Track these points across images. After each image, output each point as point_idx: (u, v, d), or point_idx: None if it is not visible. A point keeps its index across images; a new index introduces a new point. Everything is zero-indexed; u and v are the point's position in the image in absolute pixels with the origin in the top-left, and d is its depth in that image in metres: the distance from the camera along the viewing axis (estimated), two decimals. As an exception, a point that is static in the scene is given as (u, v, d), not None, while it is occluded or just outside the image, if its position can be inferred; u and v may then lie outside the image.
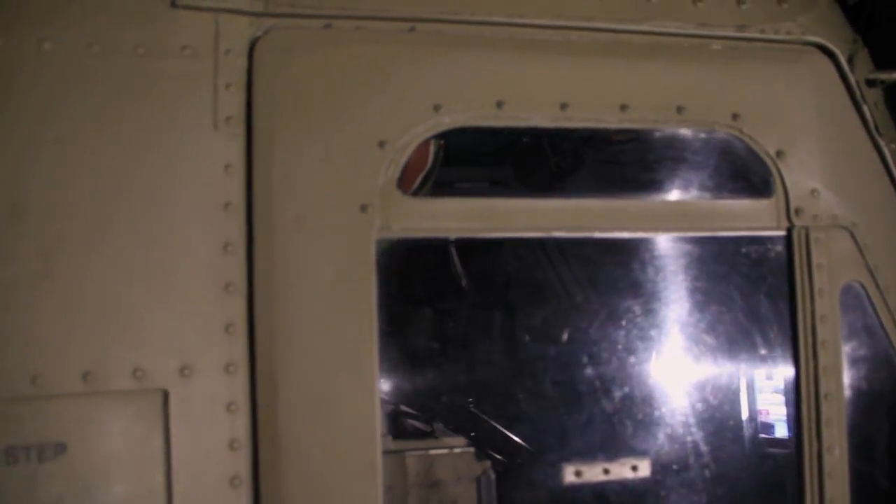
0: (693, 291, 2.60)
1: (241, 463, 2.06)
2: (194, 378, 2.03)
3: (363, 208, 2.13)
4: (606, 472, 2.38)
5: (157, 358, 2.01)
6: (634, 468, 2.41)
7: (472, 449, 2.43)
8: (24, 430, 1.93)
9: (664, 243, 2.45)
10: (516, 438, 2.43)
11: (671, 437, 2.51)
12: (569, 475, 2.35)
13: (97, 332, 1.98)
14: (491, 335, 2.39)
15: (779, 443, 2.89)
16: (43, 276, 1.96)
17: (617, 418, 2.47)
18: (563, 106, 2.26)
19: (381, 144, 2.15)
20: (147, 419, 2.01)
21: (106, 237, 2.00)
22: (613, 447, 2.46)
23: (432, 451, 2.41)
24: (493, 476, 2.42)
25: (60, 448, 1.95)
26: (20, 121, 1.98)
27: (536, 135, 2.47)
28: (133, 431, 2.00)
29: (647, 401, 2.50)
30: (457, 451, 2.44)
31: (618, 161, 2.35)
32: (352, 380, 2.11)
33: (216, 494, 2.04)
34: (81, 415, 1.97)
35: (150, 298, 2.02)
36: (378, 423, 2.13)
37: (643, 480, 2.42)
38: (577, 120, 2.28)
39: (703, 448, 2.61)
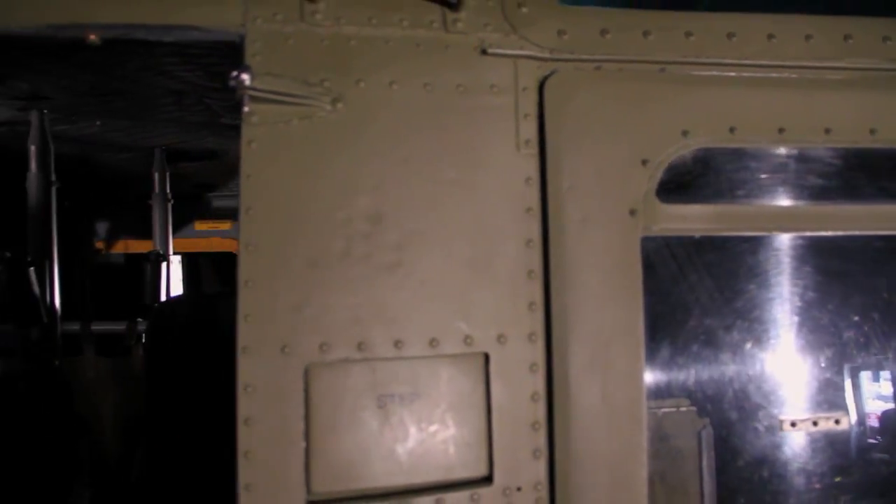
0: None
1: (539, 411, 2.60)
2: (507, 344, 2.58)
3: (632, 213, 2.67)
4: (815, 423, 2.94)
5: (481, 329, 2.56)
6: (837, 422, 2.96)
7: (694, 408, 2.98)
8: (391, 382, 2.51)
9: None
10: (737, 399, 2.95)
11: (868, 398, 3.03)
12: (786, 426, 2.91)
13: (438, 308, 2.54)
14: (725, 316, 2.93)
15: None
16: (397, 266, 2.52)
17: (825, 383, 3.00)
18: (781, 130, 2.78)
19: (644, 162, 2.68)
20: (473, 376, 2.56)
21: (440, 234, 2.57)
22: (820, 405, 2.99)
23: (662, 410, 2.97)
24: (711, 430, 2.97)
25: (415, 396, 2.52)
26: (378, 145, 2.54)
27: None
28: (464, 385, 2.55)
29: (856, 370, 3.01)
30: (682, 409, 2.99)
31: (833, 174, 2.88)
32: (623, 348, 2.65)
33: (522, 435, 2.58)
34: (429, 371, 2.53)
35: (475, 282, 2.57)
36: (643, 384, 2.66)
37: (843, 431, 2.96)
38: (791, 142, 2.82)
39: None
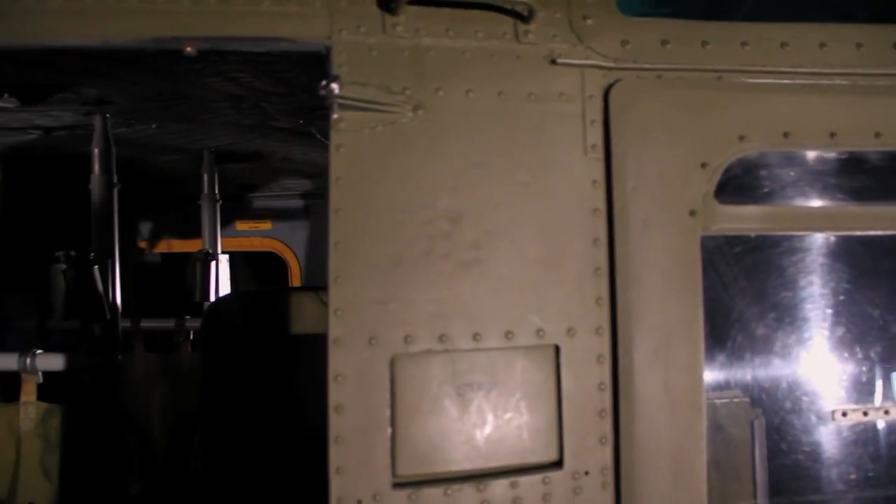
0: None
1: (606, 400, 2.75)
2: (576, 337, 2.74)
3: (691, 213, 2.81)
4: (865, 414, 3.09)
5: (553, 322, 2.72)
6: (887, 412, 3.11)
7: (747, 399, 3.14)
8: (469, 372, 2.67)
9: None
10: (787, 390, 3.11)
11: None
12: (837, 415, 3.06)
13: (513, 303, 2.70)
14: (778, 311, 3.09)
15: None
16: (475, 263, 2.68)
17: (875, 374, 3.15)
18: (832, 134, 2.93)
19: (703, 165, 2.83)
20: (545, 366, 2.72)
21: (514, 234, 2.74)
22: (870, 396, 3.14)
23: (718, 400, 3.13)
24: (763, 420, 3.13)
25: (492, 385, 2.69)
26: (456, 150, 2.70)
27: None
28: (536, 375, 2.71)
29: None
30: (736, 400, 3.15)
31: (882, 176, 3.03)
32: (683, 341, 2.79)
33: (589, 422, 2.73)
34: (504, 362, 2.69)
35: (547, 279, 2.73)
36: (702, 376, 2.81)
37: (893, 422, 3.11)
38: (842, 145, 2.97)
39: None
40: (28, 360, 4.78)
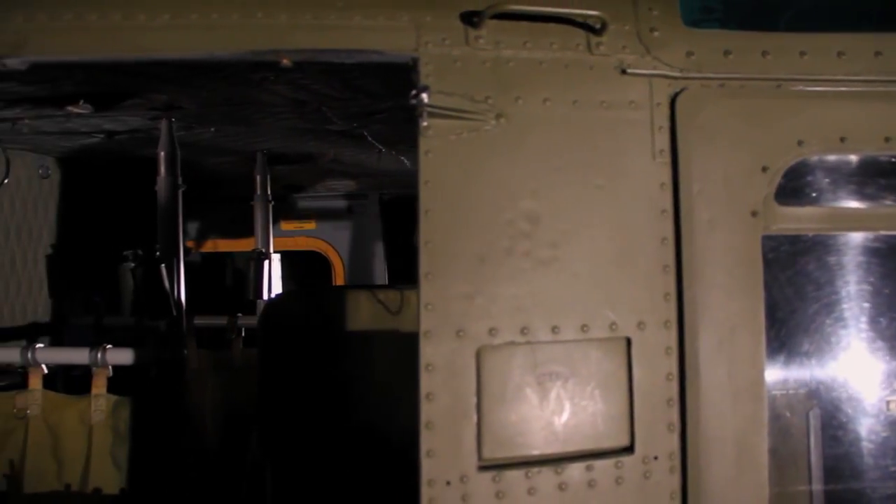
0: None
1: (673, 389, 2.91)
2: (646, 330, 2.90)
3: (753, 214, 2.96)
4: None
5: (624, 316, 2.88)
6: None
7: (804, 391, 3.31)
8: (548, 362, 2.85)
9: None
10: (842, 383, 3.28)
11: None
12: (892, 405, 3.23)
13: (588, 298, 2.87)
14: (835, 307, 3.25)
15: None
16: (553, 261, 2.86)
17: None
18: (887, 139, 3.08)
19: (764, 169, 2.98)
20: (617, 357, 2.89)
21: (589, 233, 2.92)
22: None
23: (777, 392, 3.30)
24: (819, 411, 3.30)
25: (569, 375, 2.87)
26: (535, 155, 2.86)
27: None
28: (609, 365, 2.87)
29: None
30: (794, 391, 3.32)
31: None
32: (746, 334, 2.94)
33: (658, 410, 2.89)
34: (580, 353, 2.86)
35: (619, 275, 2.90)
36: (763, 367, 2.96)
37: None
38: None
39: None
40: (99, 355, 4.99)
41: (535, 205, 2.81)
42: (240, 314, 6.84)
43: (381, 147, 6.07)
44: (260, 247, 6.53)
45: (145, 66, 3.39)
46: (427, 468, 2.68)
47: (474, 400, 2.72)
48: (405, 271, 8.58)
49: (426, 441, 2.68)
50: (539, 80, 2.88)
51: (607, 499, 2.82)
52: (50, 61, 2.88)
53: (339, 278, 8.81)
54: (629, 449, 2.86)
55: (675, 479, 2.88)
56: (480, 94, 2.83)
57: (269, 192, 6.66)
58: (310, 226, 8.83)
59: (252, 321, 6.84)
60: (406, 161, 6.83)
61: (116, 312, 7.22)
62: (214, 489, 5.98)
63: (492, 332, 2.74)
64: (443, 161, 2.77)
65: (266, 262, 6.34)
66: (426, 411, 2.68)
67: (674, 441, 2.88)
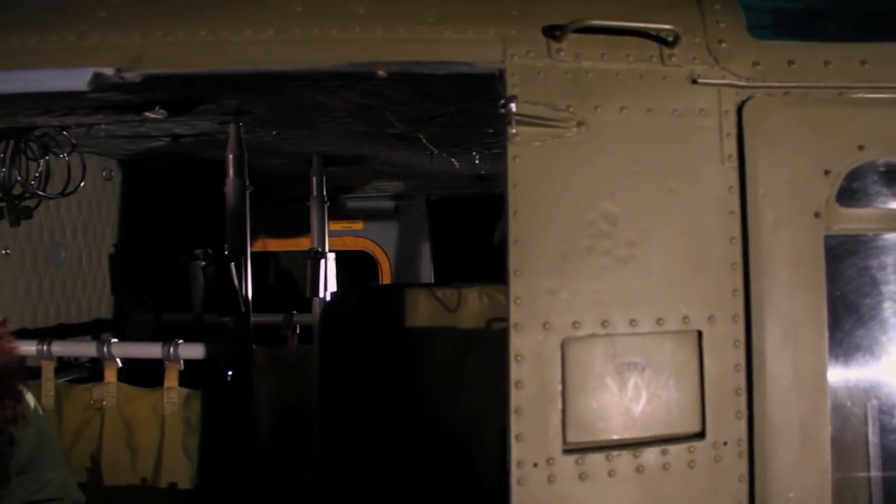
0: None
1: (741, 379, 3.06)
2: (716, 324, 3.08)
3: (816, 215, 3.11)
4: None
5: (696, 310, 3.06)
6: None
7: (862, 383, 3.49)
8: (626, 353, 3.04)
9: None
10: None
11: None
12: None
13: (663, 293, 3.05)
14: (893, 305, 3.43)
15: None
16: (630, 259, 3.02)
17: None
18: None
19: (826, 172, 3.12)
20: (689, 349, 3.06)
21: (663, 233, 3.11)
22: None
23: (835, 383, 3.47)
24: (876, 402, 3.48)
25: (645, 365, 3.07)
26: (613, 160, 3.04)
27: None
28: (682, 356, 3.04)
29: None
30: (850, 384, 3.50)
31: None
32: (809, 328, 3.09)
33: (727, 399, 3.02)
34: (655, 345, 3.05)
35: (691, 272, 3.08)
36: (826, 359, 3.09)
37: None
38: None
39: None
40: (171, 349, 5.22)
41: (613, 206, 3.01)
42: (294, 311, 7.06)
43: (433, 149, 6.26)
44: (316, 246, 6.75)
45: (245, 78, 3.60)
46: (516, 451, 2.89)
47: (559, 388, 2.93)
48: (451, 271, 8.78)
49: (516, 425, 2.88)
50: (616, 89, 3.08)
51: (681, 481, 3.02)
52: (163, 74, 3.11)
53: (385, 277, 9.02)
54: (700, 435, 3.05)
55: (743, 464, 3.06)
56: (562, 103, 3.03)
57: (324, 194, 6.87)
58: (357, 226, 9.05)
59: (307, 318, 7.06)
60: (455, 163, 7.03)
61: (174, 309, 7.45)
62: (274, 482, 6.21)
63: (575, 324, 2.94)
64: (529, 165, 2.97)
65: (322, 261, 6.54)
66: (515, 398, 2.89)
67: (742, 428, 3.06)
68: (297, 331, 7.09)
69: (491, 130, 5.55)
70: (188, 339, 5.50)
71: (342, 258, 8.99)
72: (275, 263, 9.97)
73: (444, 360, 6.01)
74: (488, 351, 5.97)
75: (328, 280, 6.73)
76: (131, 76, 3.04)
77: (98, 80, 3.05)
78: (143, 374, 5.62)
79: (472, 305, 6.12)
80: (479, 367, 5.99)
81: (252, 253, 8.49)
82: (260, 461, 5.97)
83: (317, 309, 6.76)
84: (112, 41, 3.09)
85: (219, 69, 3.12)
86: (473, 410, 5.96)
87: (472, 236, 9.11)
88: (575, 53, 3.08)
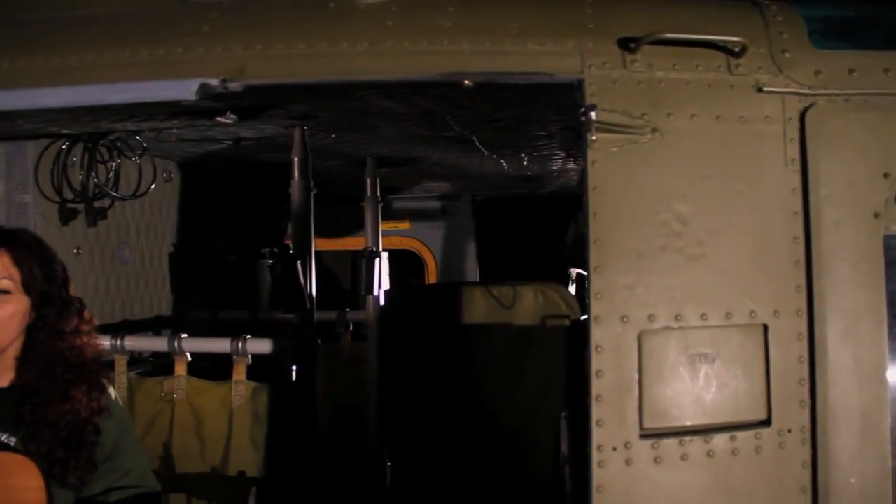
0: None
1: (804, 370, 3.22)
2: (781, 318, 3.25)
3: (875, 215, 3.24)
4: None
5: (762, 305, 3.24)
6: None
7: None
8: (698, 345, 3.24)
9: None
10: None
11: None
12: None
13: (731, 289, 3.24)
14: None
15: None
16: (701, 257, 3.22)
17: None
18: None
19: (885, 175, 3.26)
20: (756, 342, 3.22)
21: (731, 233, 3.30)
22: None
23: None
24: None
25: (715, 356, 3.28)
26: (685, 164, 3.24)
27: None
28: (749, 348, 3.22)
29: None
30: None
31: None
32: (869, 322, 3.24)
33: (791, 388, 3.20)
34: (724, 337, 3.23)
35: (757, 270, 3.26)
36: (885, 352, 3.22)
37: None
38: None
39: None
40: (239, 345, 5.43)
41: (685, 207, 3.21)
42: (348, 309, 7.27)
43: (485, 151, 6.43)
44: (370, 245, 6.95)
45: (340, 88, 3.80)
46: (597, 435, 3.09)
47: (636, 377, 3.13)
48: (496, 270, 8.97)
49: (596, 412, 3.09)
50: (686, 98, 3.28)
51: (748, 466, 3.21)
52: (265, 84, 3.34)
53: (431, 276, 9.22)
54: (766, 422, 3.24)
55: (807, 451, 3.25)
56: (637, 111, 3.23)
57: (378, 194, 7.07)
58: (404, 226, 9.25)
59: (360, 316, 7.27)
60: (504, 164, 7.22)
61: (228, 307, 7.67)
62: (334, 473, 6.42)
63: (651, 318, 3.15)
64: (607, 170, 3.18)
65: (377, 260, 6.75)
66: (596, 386, 3.09)
67: (805, 416, 3.25)
68: (351, 328, 7.26)
69: (543, 133, 5.70)
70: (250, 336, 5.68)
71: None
72: (319, 263, 10.15)
73: (501, 356, 6.22)
74: (543, 347, 6.18)
75: (382, 279, 6.93)
76: (234, 86, 3.27)
77: (204, 90, 3.28)
78: (193, 370, 5.79)
79: (526, 303, 6.34)
80: (534, 362, 6.20)
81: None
82: (321, 453, 6.16)
83: (370, 306, 6.94)
84: (216, 53, 3.32)
85: (316, 79, 3.35)
86: (529, 403, 6.17)
87: (517, 236, 9.30)
88: (648, 64, 3.28)
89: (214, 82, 3.27)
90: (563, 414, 5.89)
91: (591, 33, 3.27)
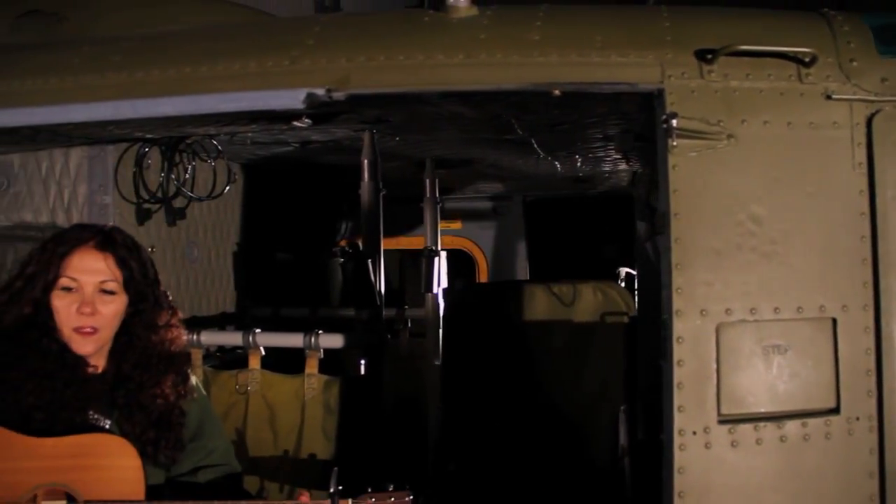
0: None
1: (871, 362, 3.40)
2: (849, 312, 3.45)
3: None
4: None
5: (831, 300, 3.43)
6: None
7: None
8: (771, 337, 3.45)
9: None
10: None
11: None
12: None
13: (802, 285, 3.44)
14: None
15: None
16: (774, 255, 3.43)
17: None
18: None
19: None
20: (826, 334, 3.42)
21: (802, 232, 3.49)
22: None
23: None
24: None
25: (787, 347, 3.48)
26: (758, 168, 3.43)
27: None
28: (819, 340, 3.43)
29: None
30: None
31: None
32: None
33: (859, 378, 3.37)
34: (796, 330, 3.44)
35: (827, 266, 3.45)
36: None
37: None
38: None
39: None
40: (312, 339, 5.67)
41: (759, 208, 3.43)
42: (406, 306, 7.50)
43: (542, 153, 6.63)
44: (430, 245, 7.17)
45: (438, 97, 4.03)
46: (679, 420, 3.32)
47: (714, 366, 3.35)
48: (546, 269, 9.16)
49: (678, 398, 3.32)
50: (759, 105, 3.49)
51: (818, 451, 3.43)
52: (367, 93, 3.60)
53: (482, 275, 9.43)
54: (836, 410, 3.44)
55: (874, 438, 3.45)
56: (713, 118, 3.45)
57: (437, 195, 7.28)
58: (456, 226, 9.45)
59: (417, 313, 7.49)
60: (558, 165, 7.42)
61: (288, 304, 7.91)
62: (399, 465, 6.65)
63: (727, 311, 3.37)
64: (686, 173, 3.40)
65: (436, 259, 6.98)
66: (678, 375, 3.32)
67: (872, 405, 3.45)
68: (409, 325, 7.48)
69: (600, 135, 5.90)
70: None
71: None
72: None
73: (562, 351, 6.45)
74: (603, 342, 6.41)
75: (441, 277, 7.15)
76: (339, 95, 3.53)
77: (311, 99, 3.54)
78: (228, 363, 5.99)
79: (586, 300, 6.56)
80: (594, 357, 6.42)
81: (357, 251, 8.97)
82: (388, 444, 6.38)
83: (429, 304, 7.15)
84: (321, 65, 3.58)
85: (417, 89, 3.60)
86: (589, 396, 6.40)
87: (568, 236, 9.50)
88: (724, 74, 3.50)
89: (320, 92, 3.52)
90: (622, 407, 6.12)
91: (669, 45, 3.49)
